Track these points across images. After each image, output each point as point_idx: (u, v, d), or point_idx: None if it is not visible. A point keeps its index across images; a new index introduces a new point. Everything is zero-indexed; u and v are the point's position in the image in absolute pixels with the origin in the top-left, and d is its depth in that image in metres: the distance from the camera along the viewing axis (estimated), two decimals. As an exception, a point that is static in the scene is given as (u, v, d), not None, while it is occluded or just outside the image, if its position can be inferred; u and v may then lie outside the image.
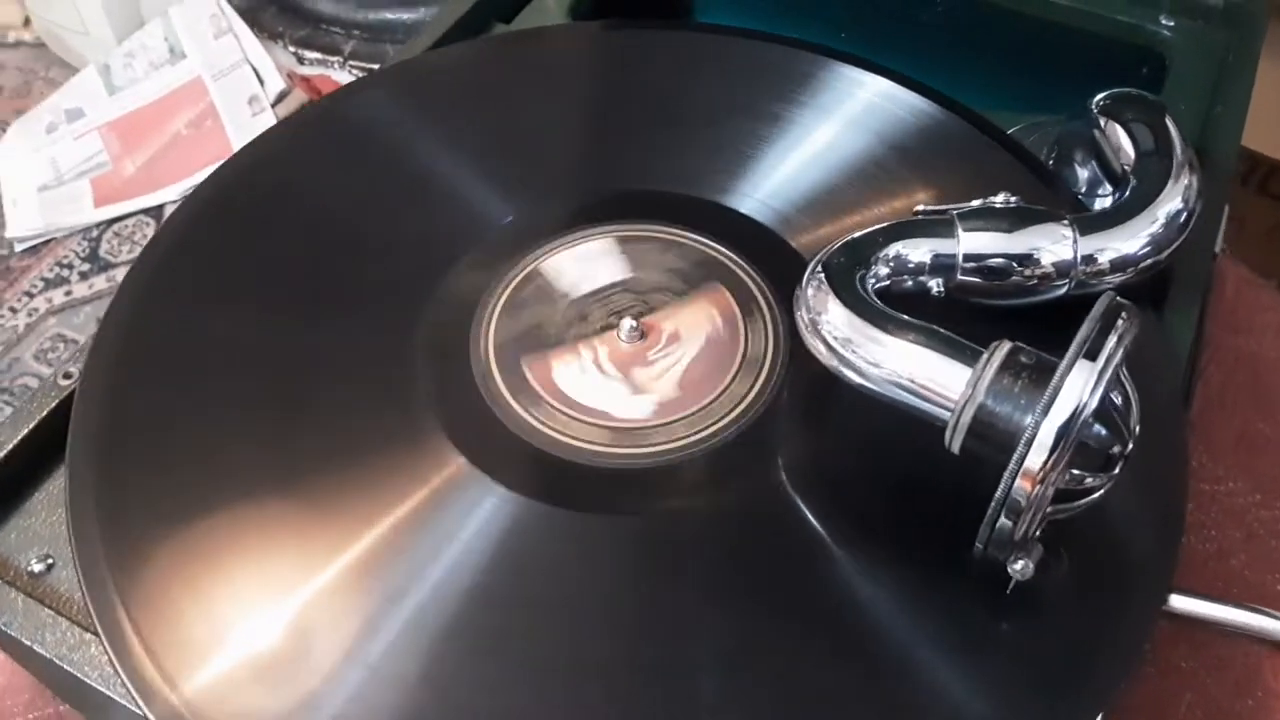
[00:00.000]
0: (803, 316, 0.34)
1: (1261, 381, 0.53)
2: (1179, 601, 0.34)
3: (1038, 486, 0.28)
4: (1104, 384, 0.27)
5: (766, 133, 0.44)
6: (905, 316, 0.33)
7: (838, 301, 0.33)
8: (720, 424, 0.36)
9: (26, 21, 1.49)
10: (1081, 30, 0.54)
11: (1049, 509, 0.29)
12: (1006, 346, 0.30)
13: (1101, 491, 0.30)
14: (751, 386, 0.37)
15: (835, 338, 0.33)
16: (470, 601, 0.32)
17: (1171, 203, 0.39)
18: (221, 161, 0.43)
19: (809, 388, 0.37)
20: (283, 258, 0.41)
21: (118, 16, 1.18)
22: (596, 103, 0.47)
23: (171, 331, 0.38)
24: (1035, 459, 0.28)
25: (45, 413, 0.37)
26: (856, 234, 0.36)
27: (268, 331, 0.39)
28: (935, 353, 0.31)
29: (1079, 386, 0.27)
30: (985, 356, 0.30)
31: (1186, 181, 0.39)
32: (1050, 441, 0.27)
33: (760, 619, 0.32)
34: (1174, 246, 0.39)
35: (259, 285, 0.40)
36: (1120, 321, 0.28)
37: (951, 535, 0.31)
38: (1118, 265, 0.38)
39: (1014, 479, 0.28)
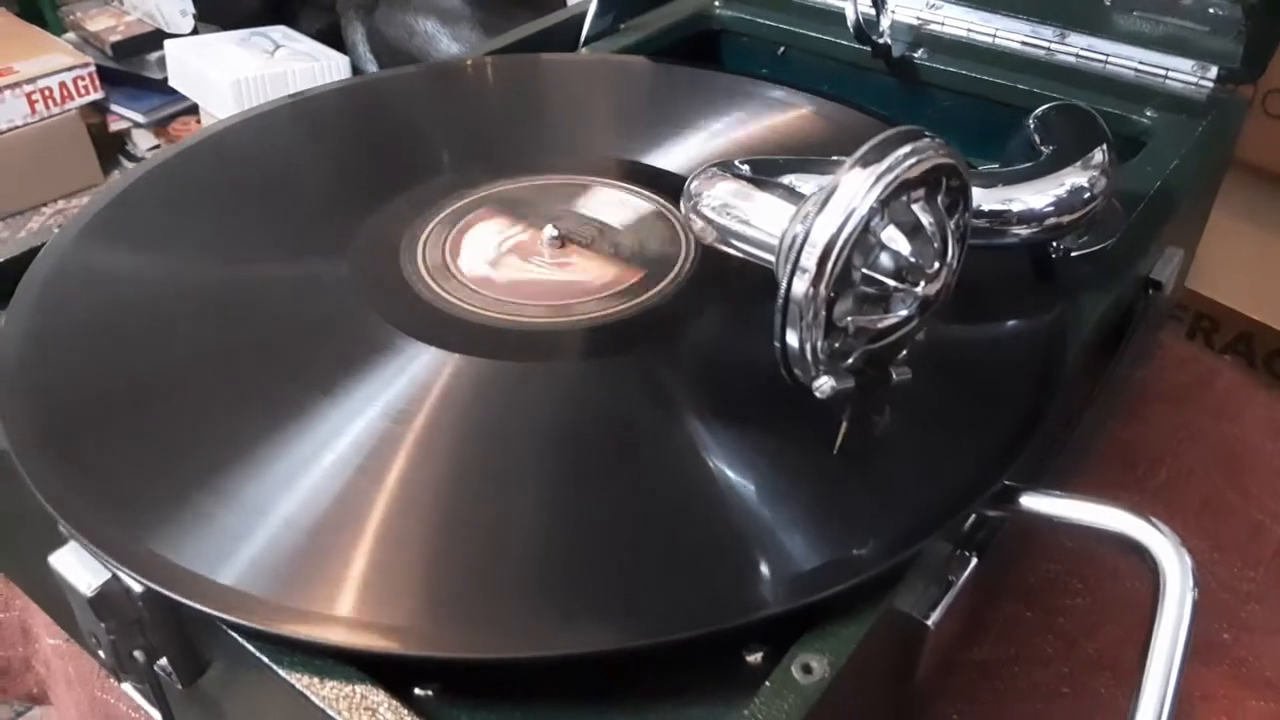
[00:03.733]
0: (687, 202, 0.37)
1: (1239, 461, 0.51)
2: (1030, 500, 0.32)
3: (811, 287, 0.28)
4: (880, 188, 0.28)
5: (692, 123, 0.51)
6: (782, 180, 0.35)
7: (723, 177, 0.36)
8: (623, 306, 0.39)
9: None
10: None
11: (848, 322, 0.30)
12: (833, 191, 0.32)
13: (911, 321, 0.31)
14: (657, 282, 0.40)
15: (713, 207, 0.35)
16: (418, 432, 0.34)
17: (1078, 177, 0.40)
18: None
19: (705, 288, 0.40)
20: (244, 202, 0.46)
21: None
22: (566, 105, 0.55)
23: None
24: (809, 256, 0.28)
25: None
26: (760, 156, 0.39)
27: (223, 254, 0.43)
28: (792, 205, 0.33)
29: (853, 187, 0.29)
30: (810, 198, 0.32)
31: (1096, 174, 0.41)
32: (823, 239, 0.28)
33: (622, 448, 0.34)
34: (1077, 215, 0.40)
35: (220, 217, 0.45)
36: (921, 141, 0.30)
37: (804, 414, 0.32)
38: (1024, 217, 0.39)
39: (790, 279, 0.29)
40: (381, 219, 0.44)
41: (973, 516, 0.34)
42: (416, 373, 0.36)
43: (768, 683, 0.27)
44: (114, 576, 0.30)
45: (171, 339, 0.38)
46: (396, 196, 0.45)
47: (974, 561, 0.34)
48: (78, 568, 0.30)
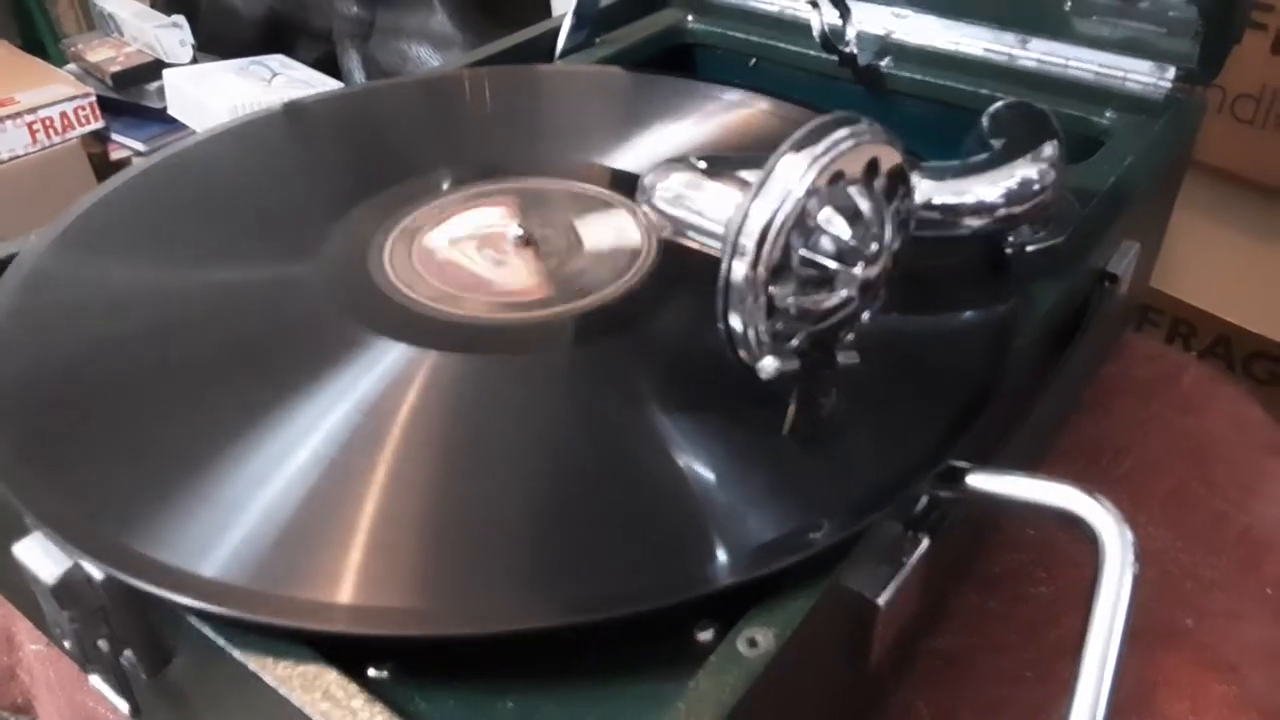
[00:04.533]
0: (642, 196, 0.38)
1: (1204, 452, 0.52)
2: (977, 480, 0.33)
3: (750, 269, 0.29)
4: (815, 171, 0.29)
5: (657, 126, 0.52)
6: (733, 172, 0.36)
7: (676, 169, 0.37)
8: (584, 301, 0.40)
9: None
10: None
11: (790, 304, 0.31)
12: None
13: (852, 302, 0.31)
14: (618, 277, 0.42)
15: (666, 199, 0.36)
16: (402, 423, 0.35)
17: (1028, 170, 0.41)
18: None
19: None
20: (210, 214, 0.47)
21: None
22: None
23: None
24: (746, 239, 0.29)
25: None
26: (716, 153, 0.40)
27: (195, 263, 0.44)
28: (741, 192, 0.34)
29: (789, 171, 0.29)
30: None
31: (1046, 167, 0.42)
32: (759, 222, 0.29)
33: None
34: (1027, 206, 0.41)
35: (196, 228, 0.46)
36: (859, 125, 0.31)
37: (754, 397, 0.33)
38: (975, 209, 0.40)
39: (729, 262, 0.30)
40: (353, 223, 0.45)
41: (924, 498, 0.34)
42: (381, 368, 0.37)
43: (713, 656, 0.28)
44: (76, 564, 0.30)
45: (144, 341, 0.39)
46: (367, 201, 0.46)
47: (925, 542, 0.34)
48: (41, 556, 0.31)
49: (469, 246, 0.43)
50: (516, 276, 0.42)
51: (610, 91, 0.59)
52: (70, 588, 0.30)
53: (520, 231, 0.43)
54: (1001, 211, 0.40)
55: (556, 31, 0.65)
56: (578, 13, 0.65)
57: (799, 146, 0.30)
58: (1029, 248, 0.44)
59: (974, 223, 0.40)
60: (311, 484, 0.32)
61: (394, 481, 0.33)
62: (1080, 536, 0.32)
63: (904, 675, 0.41)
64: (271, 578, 0.29)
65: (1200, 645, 0.43)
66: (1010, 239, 0.44)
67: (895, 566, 0.34)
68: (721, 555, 0.30)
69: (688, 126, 0.53)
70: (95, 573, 0.30)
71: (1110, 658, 0.30)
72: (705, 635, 0.30)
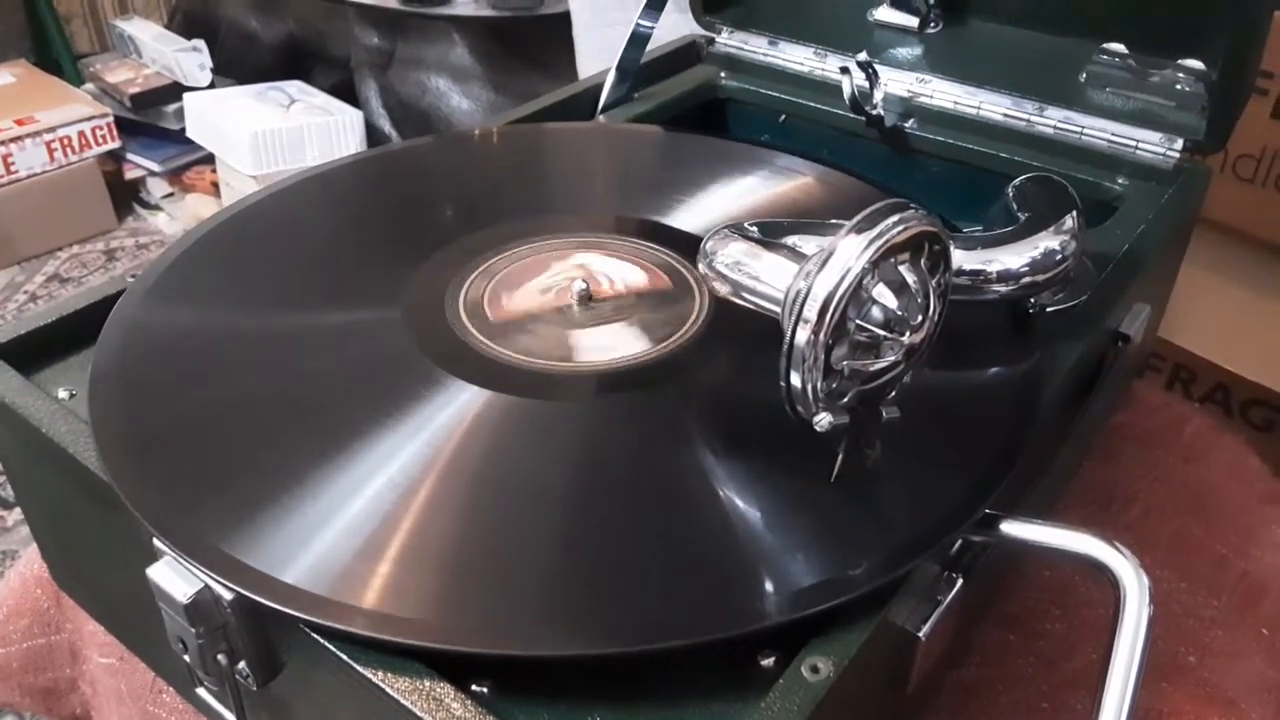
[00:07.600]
0: (703, 260, 0.42)
1: (1205, 498, 0.56)
2: (1010, 527, 0.37)
3: (812, 335, 0.33)
4: (871, 251, 0.33)
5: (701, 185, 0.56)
6: (786, 241, 0.40)
7: (735, 238, 0.40)
8: (644, 350, 0.44)
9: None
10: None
11: (844, 365, 0.34)
12: (833, 252, 0.36)
13: (898, 365, 0.35)
14: (675, 330, 0.45)
15: (726, 264, 0.40)
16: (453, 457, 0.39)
17: (1050, 241, 0.45)
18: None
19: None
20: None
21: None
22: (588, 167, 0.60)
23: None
24: (810, 309, 0.33)
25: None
26: (767, 219, 0.44)
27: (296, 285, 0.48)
28: (796, 264, 0.38)
29: (849, 251, 0.33)
30: (811, 258, 0.36)
31: (1067, 238, 0.46)
32: (822, 294, 0.33)
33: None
34: (1050, 275, 0.45)
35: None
36: (908, 212, 0.35)
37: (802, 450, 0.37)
38: (1002, 276, 0.44)
39: (794, 329, 0.33)
40: (426, 272, 0.48)
41: (959, 541, 0.38)
42: (466, 406, 0.40)
43: (780, 681, 0.32)
44: (205, 586, 0.34)
45: (249, 375, 0.42)
46: (438, 252, 0.50)
47: (960, 582, 0.38)
48: (173, 578, 0.34)
49: (535, 298, 0.47)
50: (584, 328, 0.45)
51: (663, 151, 0.63)
52: (200, 607, 0.34)
53: (583, 285, 0.46)
54: (1026, 279, 0.44)
55: (594, 89, 0.69)
56: (620, 68, 0.69)
57: (858, 230, 0.34)
58: (1049, 309, 0.48)
59: (1001, 289, 0.44)
60: (421, 514, 0.36)
61: (501, 519, 0.36)
62: (1097, 579, 0.36)
63: (932, 703, 0.45)
64: (392, 599, 0.33)
65: (1202, 680, 0.47)
66: (1032, 300, 0.48)
67: (934, 604, 0.37)
68: (789, 591, 0.34)
69: (736, 188, 0.57)
70: (224, 593, 0.33)
71: (1129, 690, 0.34)
72: (768, 662, 0.34)
